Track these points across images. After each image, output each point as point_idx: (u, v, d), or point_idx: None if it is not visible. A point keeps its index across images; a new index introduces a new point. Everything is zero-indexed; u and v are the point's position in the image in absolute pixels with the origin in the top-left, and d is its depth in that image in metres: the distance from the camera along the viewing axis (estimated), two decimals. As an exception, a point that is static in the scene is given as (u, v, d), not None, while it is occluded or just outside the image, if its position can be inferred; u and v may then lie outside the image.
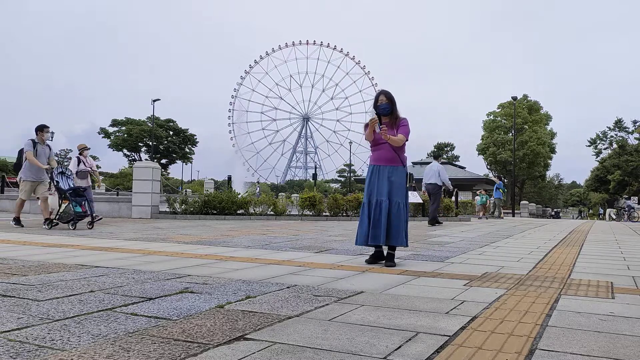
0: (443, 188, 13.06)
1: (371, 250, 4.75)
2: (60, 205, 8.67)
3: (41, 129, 9.23)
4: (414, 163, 54.45)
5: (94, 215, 9.30)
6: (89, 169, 10.85)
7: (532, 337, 2.23)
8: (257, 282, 3.50)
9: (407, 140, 4.61)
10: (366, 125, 4.63)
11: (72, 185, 9.00)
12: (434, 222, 12.26)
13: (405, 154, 4.68)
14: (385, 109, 4.57)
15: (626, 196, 45.30)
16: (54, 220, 8.62)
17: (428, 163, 20.78)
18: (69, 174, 9.17)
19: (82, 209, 8.67)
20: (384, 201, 4.44)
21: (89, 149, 11.41)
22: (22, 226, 8.87)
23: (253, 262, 4.58)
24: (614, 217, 40.72)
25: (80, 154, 11.02)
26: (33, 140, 9.08)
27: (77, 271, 3.86)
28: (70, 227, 8.44)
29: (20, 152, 9.27)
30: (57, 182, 8.76)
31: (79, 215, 8.60)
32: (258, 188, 37.03)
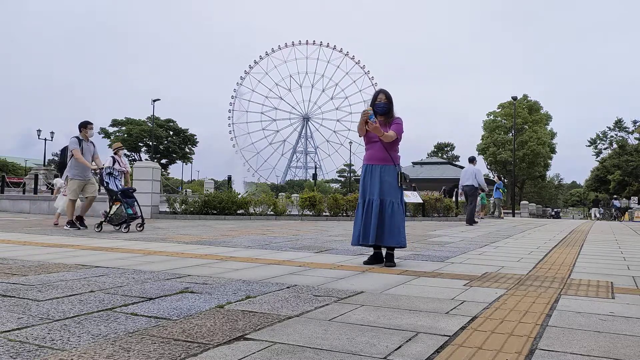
0: (457, 190, 13.54)
1: (371, 250, 4.74)
2: (110, 207, 8.23)
3: (85, 125, 8.76)
4: (414, 163, 54.49)
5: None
6: (125, 169, 10.38)
7: (532, 337, 2.23)
8: (257, 282, 3.50)
9: (399, 138, 4.55)
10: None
11: (121, 186, 8.60)
12: (471, 222, 13.01)
13: (398, 154, 4.64)
14: (383, 108, 4.55)
15: (615, 196, 45.53)
16: (103, 223, 8.16)
17: (428, 163, 21.02)
18: (116, 174, 8.67)
19: (133, 211, 8.23)
20: (375, 200, 4.44)
21: (124, 148, 11.20)
22: (79, 228, 8.39)
23: (253, 262, 4.58)
24: (599, 215, 40.99)
25: (115, 153, 10.54)
26: (77, 138, 8.62)
27: (77, 271, 3.86)
28: (123, 230, 7.95)
29: (64, 150, 8.77)
30: (107, 182, 8.32)
31: (131, 217, 8.14)
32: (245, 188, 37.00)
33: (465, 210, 22.21)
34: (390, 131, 4.49)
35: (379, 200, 4.44)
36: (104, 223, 8.17)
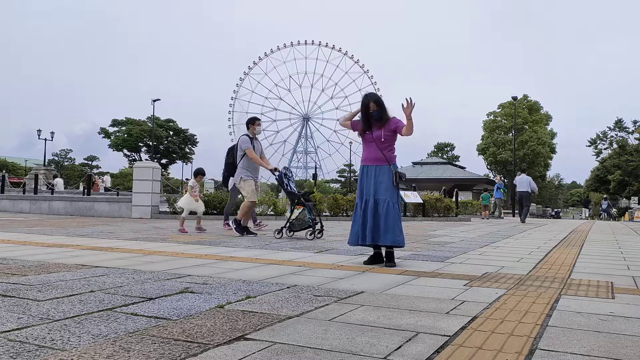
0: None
1: (370, 250, 4.74)
2: (292, 212, 7.42)
3: (253, 121, 8.14)
4: (414, 163, 54.51)
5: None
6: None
7: (532, 337, 2.23)
8: (257, 282, 3.50)
9: (399, 134, 4.61)
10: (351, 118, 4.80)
11: (296, 190, 7.74)
12: (523, 220, 15.91)
13: (394, 153, 4.66)
14: (378, 115, 4.58)
15: (605, 196, 45.83)
16: (283, 229, 7.35)
17: (428, 163, 21.53)
18: (290, 175, 7.87)
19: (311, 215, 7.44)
20: (370, 200, 4.49)
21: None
22: (256, 234, 7.57)
23: (253, 262, 4.58)
24: (587, 216, 41.72)
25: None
26: (248, 135, 7.96)
27: (77, 271, 3.86)
28: (309, 237, 7.06)
29: (230, 149, 8.11)
30: (287, 184, 7.55)
31: (314, 222, 7.29)
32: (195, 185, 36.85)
33: (496, 210, 23.45)
34: (408, 123, 4.51)
35: (373, 200, 4.48)
36: (284, 229, 7.33)
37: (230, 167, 8.08)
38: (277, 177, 7.55)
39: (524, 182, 16.73)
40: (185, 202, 8.60)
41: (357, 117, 4.85)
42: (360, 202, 4.58)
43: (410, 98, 4.45)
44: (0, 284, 3.25)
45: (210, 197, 13.98)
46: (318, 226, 7.25)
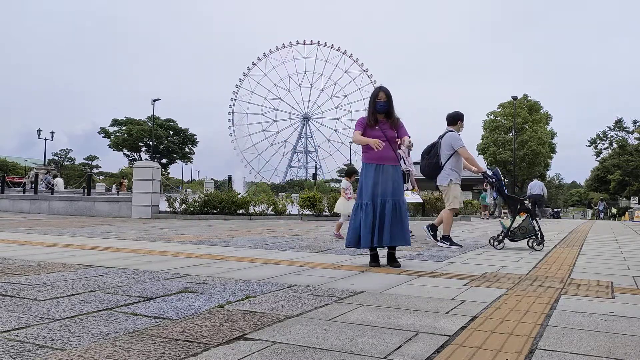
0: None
1: (367, 250, 4.71)
2: (513, 219, 6.51)
3: (462, 117, 7.05)
4: (415, 163, 54.38)
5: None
6: (411, 170, 8.57)
7: (532, 336, 2.23)
8: (257, 282, 3.50)
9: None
10: (359, 125, 4.56)
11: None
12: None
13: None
14: (384, 106, 4.53)
15: (602, 198, 46.10)
16: (499, 237, 6.53)
17: None
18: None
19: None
20: (389, 201, 4.36)
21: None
22: (461, 246, 6.59)
23: (253, 262, 4.58)
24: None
25: (398, 148, 8.84)
26: (453, 132, 6.89)
27: (77, 271, 3.85)
28: (537, 248, 6.34)
29: (432, 147, 6.96)
30: (504, 188, 6.79)
31: (537, 231, 6.50)
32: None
33: (496, 210, 24.97)
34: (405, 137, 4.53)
35: (392, 201, 4.36)
36: (503, 237, 6.52)
37: (434, 168, 6.90)
38: (495, 181, 6.73)
39: (537, 186, 19.66)
40: (341, 206, 7.89)
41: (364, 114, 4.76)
42: (371, 203, 4.38)
43: (406, 141, 4.46)
44: (0, 283, 3.25)
45: (211, 196, 13.97)
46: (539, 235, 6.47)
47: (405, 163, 7.91)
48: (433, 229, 7.01)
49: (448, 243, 6.56)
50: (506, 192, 6.77)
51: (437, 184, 6.87)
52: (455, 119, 6.97)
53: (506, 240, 6.52)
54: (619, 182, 55.08)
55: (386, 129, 4.51)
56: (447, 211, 6.79)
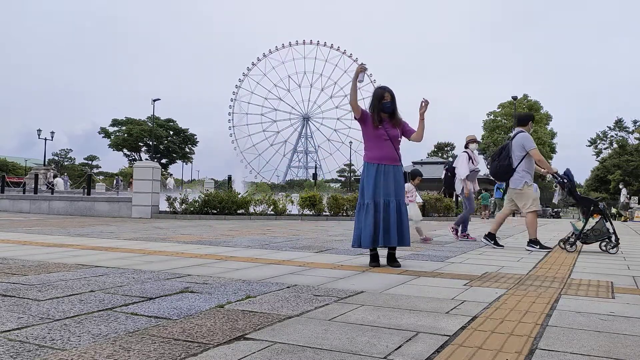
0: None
1: (367, 250, 4.71)
2: (586, 221, 6.27)
3: (533, 117, 6.96)
4: (414, 163, 54.51)
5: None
6: (478, 168, 8.18)
7: (532, 336, 2.23)
8: (257, 282, 3.50)
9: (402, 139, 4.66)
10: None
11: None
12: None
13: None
14: (389, 107, 4.53)
15: (601, 198, 46.36)
16: (570, 239, 6.34)
17: (428, 163, 21.54)
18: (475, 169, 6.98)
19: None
20: (392, 201, 4.36)
21: (478, 142, 8.55)
22: (551, 248, 6.46)
23: (253, 262, 4.58)
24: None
25: (466, 147, 8.31)
26: (522, 132, 6.65)
27: (77, 271, 3.86)
28: (611, 252, 6.14)
29: (503, 149, 6.74)
30: (574, 188, 6.55)
31: (611, 233, 6.25)
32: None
33: (496, 210, 24.07)
34: (416, 132, 4.59)
35: (396, 202, 4.38)
36: (571, 239, 6.35)
37: (506, 170, 6.66)
38: (566, 182, 6.55)
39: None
40: (412, 212, 7.35)
41: (363, 107, 4.75)
42: (372, 202, 4.37)
43: (425, 99, 4.51)
44: (0, 283, 3.25)
45: (211, 196, 13.97)
46: (613, 238, 6.24)
47: (473, 163, 7.95)
48: (491, 237, 6.81)
49: (538, 247, 6.42)
50: (575, 193, 6.53)
51: (511, 187, 6.66)
52: (526, 120, 6.85)
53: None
54: (619, 182, 55.10)
55: (389, 128, 4.52)
56: (530, 215, 6.53)
